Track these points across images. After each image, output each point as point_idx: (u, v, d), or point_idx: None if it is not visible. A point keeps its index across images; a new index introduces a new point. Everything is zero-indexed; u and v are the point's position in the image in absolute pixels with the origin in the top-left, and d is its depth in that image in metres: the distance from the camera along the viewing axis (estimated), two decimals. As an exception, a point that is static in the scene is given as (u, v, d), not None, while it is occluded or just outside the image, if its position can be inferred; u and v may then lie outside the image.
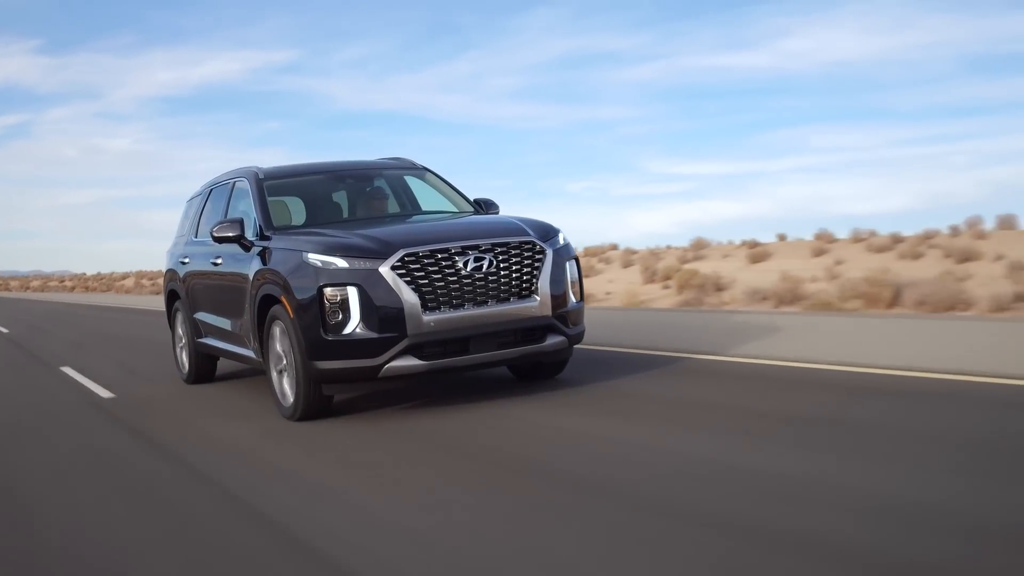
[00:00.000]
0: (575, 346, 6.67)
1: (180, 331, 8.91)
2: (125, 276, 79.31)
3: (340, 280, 5.84)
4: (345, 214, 7.57)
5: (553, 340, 6.24)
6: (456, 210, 7.61)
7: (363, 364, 5.83)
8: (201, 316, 8.17)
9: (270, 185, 7.33)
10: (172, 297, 9.01)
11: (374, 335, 5.79)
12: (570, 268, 6.44)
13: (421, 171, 8.03)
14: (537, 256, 6.20)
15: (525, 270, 6.14)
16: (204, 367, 8.59)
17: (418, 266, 5.86)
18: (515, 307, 6.06)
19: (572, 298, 6.40)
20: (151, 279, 60.43)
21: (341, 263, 5.88)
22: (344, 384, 6.04)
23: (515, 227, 6.33)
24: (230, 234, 6.87)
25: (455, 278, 5.92)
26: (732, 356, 7.55)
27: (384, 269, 5.81)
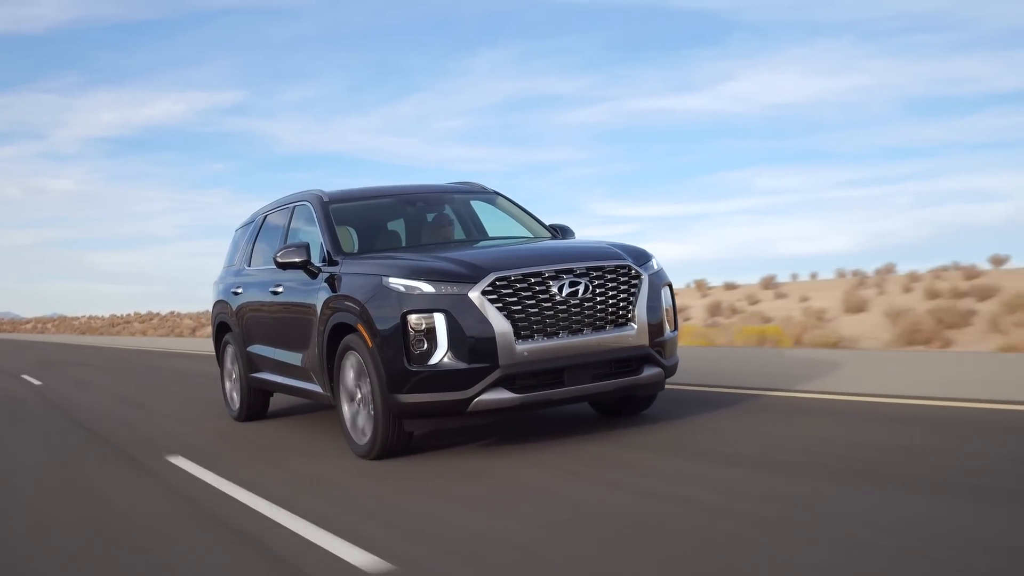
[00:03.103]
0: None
1: (230, 366, 8.45)
2: (28, 321, 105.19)
3: (425, 306, 5.40)
4: (403, 242, 7.14)
5: (650, 372, 5.79)
6: (532, 235, 7.19)
7: (451, 397, 5.38)
8: (256, 349, 7.72)
9: (335, 209, 6.92)
10: (222, 330, 8.56)
11: (463, 366, 5.34)
12: (665, 295, 6.01)
13: (492, 195, 7.63)
14: (633, 281, 5.78)
15: (622, 296, 5.71)
16: (256, 404, 8.13)
17: (510, 291, 5.43)
18: (611, 336, 5.62)
19: (667, 327, 5.96)
20: (44, 322, 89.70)
21: (426, 288, 5.45)
22: (428, 419, 5.58)
23: (609, 251, 5.90)
24: (296, 259, 6.45)
25: (549, 304, 5.48)
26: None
27: (474, 294, 5.38)
